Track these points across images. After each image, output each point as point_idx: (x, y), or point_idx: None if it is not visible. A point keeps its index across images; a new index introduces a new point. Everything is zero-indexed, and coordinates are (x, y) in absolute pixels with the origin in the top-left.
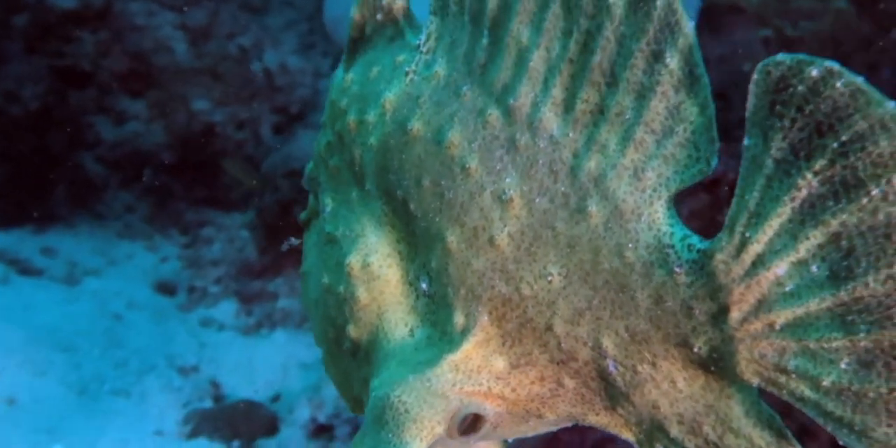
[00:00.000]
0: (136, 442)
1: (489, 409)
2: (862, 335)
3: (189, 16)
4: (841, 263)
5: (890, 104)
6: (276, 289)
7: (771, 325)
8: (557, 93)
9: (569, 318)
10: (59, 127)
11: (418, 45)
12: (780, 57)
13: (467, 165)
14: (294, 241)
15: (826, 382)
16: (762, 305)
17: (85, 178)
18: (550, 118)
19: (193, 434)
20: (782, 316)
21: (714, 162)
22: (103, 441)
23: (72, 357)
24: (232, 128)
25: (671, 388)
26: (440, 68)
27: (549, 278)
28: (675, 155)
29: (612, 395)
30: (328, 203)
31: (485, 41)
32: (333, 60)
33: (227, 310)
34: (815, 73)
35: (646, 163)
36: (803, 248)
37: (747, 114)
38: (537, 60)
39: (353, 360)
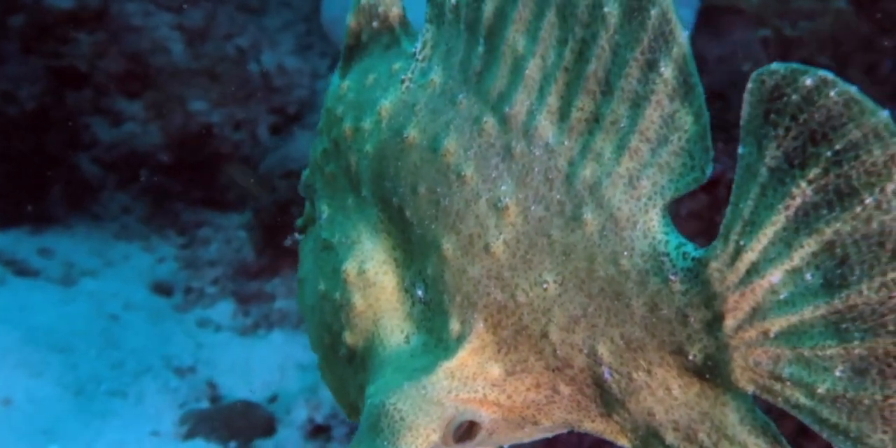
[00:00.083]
0: (133, 443)
1: (485, 416)
2: (856, 343)
3: (186, 16)
4: (835, 271)
5: (883, 113)
6: (273, 289)
7: (765, 333)
8: (553, 101)
9: (564, 326)
10: (56, 127)
11: (414, 53)
12: (775, 66)
13: (463, 173)
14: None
15: (821, 390)
16: (757, 313)
17: (81, 179)
18: (546, 126)
19: (190, 435)
20: (777, 324)
21: (709, 171)
22: (100, 442)
23: (68, 358)
24: (229, 128)
25: (666, 395)
26: (436, 76)
27: (545, 286)
28: (670, 163)
29: (608, 402)
30: (324, 210)
31: (480, 49)
32: (331, 61)
33: (224, 310)
34: (809, 82)
35: (641, 171)
36: (797, 257)
37: (742, 122)
38: (533, 68)
39: (349, 366)
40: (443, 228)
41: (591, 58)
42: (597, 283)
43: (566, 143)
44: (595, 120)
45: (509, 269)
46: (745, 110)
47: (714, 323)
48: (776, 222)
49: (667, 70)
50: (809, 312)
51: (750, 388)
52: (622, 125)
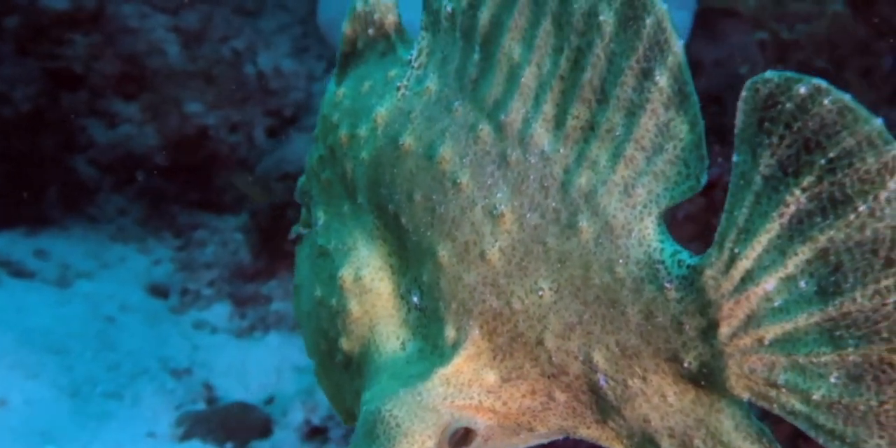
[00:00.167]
0: (129, 444)
1: (480, 422)
2: (850, 350)
3: (182, 18)
4: (829, 279)
5: (877, 121)
6: (269, 292)
7: (760, 340)
8: (548, 109)
9: (560, 333)
10: (52, 129)
11: (410, 61)
12: (769, 74)
13: (458, 180)
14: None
15: (816, 396)
16: (751, 321)
17: (77, 181)
18: (541, 134)
19: (186, 436)
20: (771, 331)
21: (704, 179)
22: (96, 444)
23: (64, 359)
24: (225, 131)
25: (662, 402)
26: (432, 83)
27: (540, 293)
28: (665, 172)
29: (603, 408)
30: (320, 216)
31: (476, 57)
32: (327, 64)
33: (220, 312)
34: (802, 90)
35: (636, 179)
36: (791, 264)
37: (736, 131)
38: (528, 77)
39: (345, 372)
40: (438, 235)
41: (587, 66)
42: (592, 290)
43: (562, 150)
44: (590, 128)
45: (505, 276)
46: (739, 118)
47: (709, 330)
48: (770, 230)
49: (662, 79)
50: (804, 320)
51: (745, 395)
52: (617, 133)
